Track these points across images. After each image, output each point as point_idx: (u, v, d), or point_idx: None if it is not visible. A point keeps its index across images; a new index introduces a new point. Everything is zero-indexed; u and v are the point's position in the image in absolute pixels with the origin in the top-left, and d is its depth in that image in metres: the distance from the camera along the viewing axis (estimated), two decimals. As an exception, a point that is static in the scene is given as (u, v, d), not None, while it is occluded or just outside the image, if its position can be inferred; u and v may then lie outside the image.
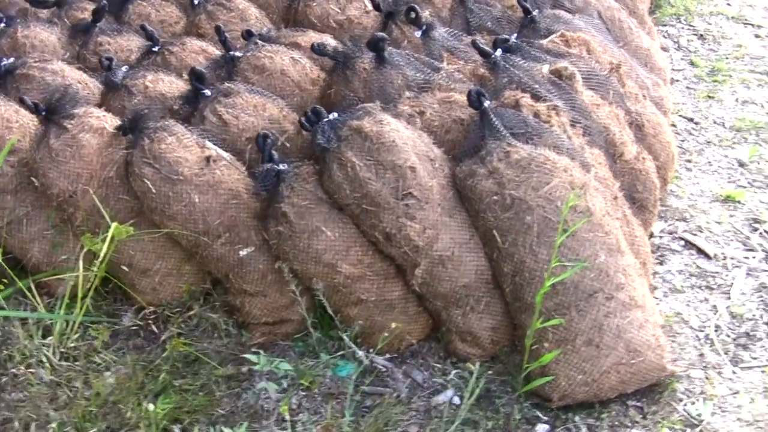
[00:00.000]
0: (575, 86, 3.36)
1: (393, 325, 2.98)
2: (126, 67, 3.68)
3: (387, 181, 2.92)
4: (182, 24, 4.31)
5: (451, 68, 3.49)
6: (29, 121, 3.37)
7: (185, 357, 3.13)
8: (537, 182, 2.88)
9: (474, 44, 3.39)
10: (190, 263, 3.30)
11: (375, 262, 3.03)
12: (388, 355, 3.13)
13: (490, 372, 3.04)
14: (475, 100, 3.05)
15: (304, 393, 3.00)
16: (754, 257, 3.57)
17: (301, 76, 3.63)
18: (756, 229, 3.73)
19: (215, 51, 3.85)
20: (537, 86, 3.23)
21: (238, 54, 3.68)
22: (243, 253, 3.12)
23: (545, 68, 3.37)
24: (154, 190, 3.09)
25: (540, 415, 2.90)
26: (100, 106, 3.51)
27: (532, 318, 2.82)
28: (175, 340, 3.15)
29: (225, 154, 3.19)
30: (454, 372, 3.06)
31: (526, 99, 3.16)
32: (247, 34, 3.85)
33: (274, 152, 3.13)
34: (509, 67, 3.31)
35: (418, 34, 3.69)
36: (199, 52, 3.85)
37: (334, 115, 3.08)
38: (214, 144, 3.21)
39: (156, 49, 3.88)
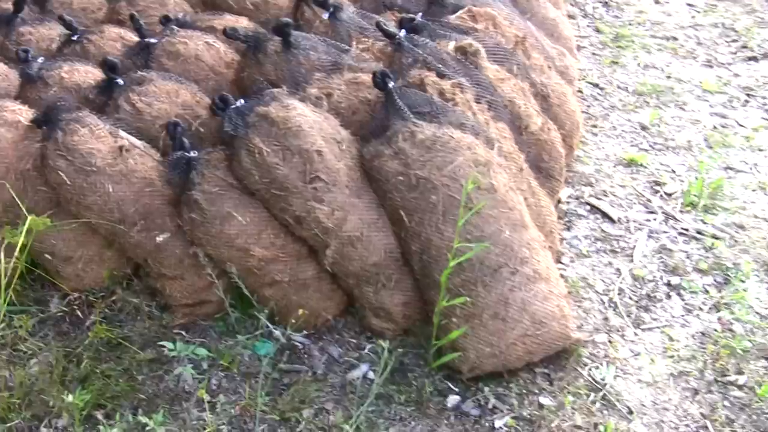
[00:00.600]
0: (480, 62, 3.17)
1: (300, 311, 2.79)
2: (42, 58, 3.39)
3: (294, 165, 2.70)
4: (104, 11, 3.99)
5: (360, 48, 3.27)
6: (-54, 115, 3.08)
7: (108, 342, 2.91)
8: (441, 161, 2.69)
9: (378, 26, 3.16)
10: (111, 249, 3.07)
11: (287, 244, 2.82)
12: (305, 332, 2.93)
13: (402, 347, 2.86)
14: (380, 81, 2.84)
15: (223, 373, 2.80)
16: (654, 219, 3.42)
17: (216, 60, 3.37)
18: (657, 192, 3.57)
19: (133, 38, 3.57)
20: (441, 65, 3.03)
21: (153, 41, 3.42)
22: (159, 239, 2.90)
23: (450, 46, 3.16)
24: (68, 182, 2.85)
25: (451, 386, 2.74)
26: (18, 98, 3.23)
27: (440, 295, 2.64)
28: (98, 326, 2.93)
29: (138, 143, 2.96)
30: (368, 347, 2.88)
31: (431, 78, 2.97)
32: (165, 20, 3.59)
33: (185, 139, 2.90)
34: (413, 47, 3.09)
35: (325, 15, 3.43)
36: (117, 39, 3.57)
37: (241, 102, 2.85)
38: (128, 133, 2.98)
39: (75, 37, 3.59)
